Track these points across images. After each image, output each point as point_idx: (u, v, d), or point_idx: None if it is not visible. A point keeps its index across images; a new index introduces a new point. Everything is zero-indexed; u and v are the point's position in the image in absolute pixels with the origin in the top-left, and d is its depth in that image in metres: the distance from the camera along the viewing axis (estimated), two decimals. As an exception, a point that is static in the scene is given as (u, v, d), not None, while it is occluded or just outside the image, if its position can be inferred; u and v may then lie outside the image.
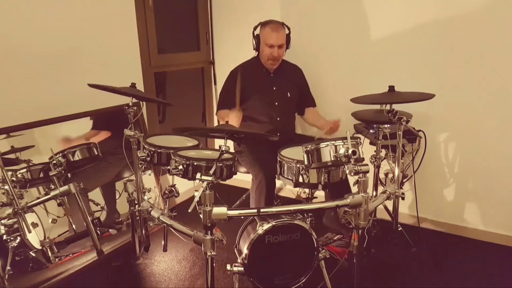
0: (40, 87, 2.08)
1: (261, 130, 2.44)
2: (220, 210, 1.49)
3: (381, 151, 2.23)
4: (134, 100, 1.90)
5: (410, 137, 2.26)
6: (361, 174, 1.50)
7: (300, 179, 1.82)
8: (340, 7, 2.61)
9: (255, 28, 2.45)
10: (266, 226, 1.67)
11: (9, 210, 1.88)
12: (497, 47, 2.21)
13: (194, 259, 2.31)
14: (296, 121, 2.67)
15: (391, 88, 1.97)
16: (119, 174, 2.45)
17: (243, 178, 2.83)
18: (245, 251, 1.68)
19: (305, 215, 1.79)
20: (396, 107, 1.92)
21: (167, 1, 2.88)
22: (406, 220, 2.65)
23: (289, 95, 2.51)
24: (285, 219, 1.70)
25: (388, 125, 2.06)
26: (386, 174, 2.39)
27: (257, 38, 2.43)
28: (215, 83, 3.27)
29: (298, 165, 1.81)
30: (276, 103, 2.47)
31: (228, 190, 3.23)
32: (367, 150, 2.04)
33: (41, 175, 2.07)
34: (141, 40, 2.62)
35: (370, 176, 1.73)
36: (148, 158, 2.02)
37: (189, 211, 1.47)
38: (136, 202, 2.02)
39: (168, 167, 1.91)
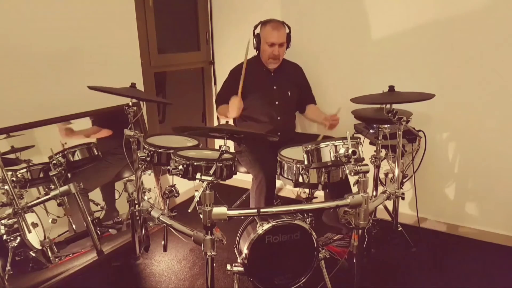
0: (40, 87, 2.08)
1: (262, 130, 2.44)
2: (220, 210, 1.50)
3: (381, 151, 2.23)
4: (134, 100, 1.90)
5: (410, 137, 2.26)
6: (361, 174, 1.50)
7: (300, 179, 1.82)
8: (340, 7, 2.61)
9: (255, 27, 2.45)
10: (266, 226, 1.67)
11: (9, 210, 1.88)
12: (497, 47, 2.21)
13: (194, 259, 2.31)
14: (296, 120, 2.67)
15: (391, 88, 1.97)
16: (119, 174, 2.45)
17: (243, 178, 2.84)
18: (245, 251, 1.68)
19: (305, 215, 1.79)
20: (396, 107, 1.92)
21: (167, 1, 2.88)
22: (406, 220, 2.65)
23: (289, 94, 2.51)
24: (285, 219, 1.70)
25: (388, 125, 2.06)
26: (386, 174, 2.39)
27: (257, 37, 2.43)
28: (215, 83, 3.27)
29: (298, 165, 1.81)
30: (277, 102, 2.47)
31: (228, 190, 3.23)
32: (367, 150, 2.05)
33: (41, 175, 2.07)
34: (141, 40, 2.62)
35: (370, 176, 1.73)
36: (148, 158, 2.02)
37: (189, 211, 1.47)
38: (136, 202, 2.02)
39: (168, 167, 1.91)
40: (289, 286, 1.76)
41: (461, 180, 2.49)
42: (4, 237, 1.87)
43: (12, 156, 1.97)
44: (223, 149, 1.54)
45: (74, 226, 2.19)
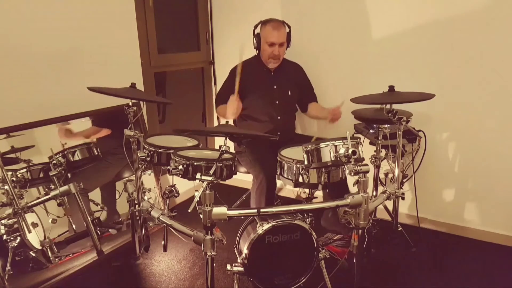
0: (40, 87, 2.08)
1: (262, 129, 2.44)
2: (220, 210, 1.50)
3: (381, 151, 2.23)
4: (134, 100, 1.90)
5: (410, 137, 2.26)
6: (361, 174, 1.50)
7: (300, 179, 1.82)
8: (340, 7, 2.61)
9: (255, 27, 2.45)
10: (266, 226, 1.67)
11: (9, 210, 1.88)
12: (497, 47, 2.21)
13: (194, 259, 2.31)
14: (296, 121, 2.67)
15: (391, 88, 1.97)
16: (119, 174, 2.45)
17: (243, 178, 2.84)
18: (245, 251, 1.68)
19: (305, 215, 1.79)
20: (396, 107, 1.92)
21: (167, 1, 2.88)
22: (406, 220, 2.65)
23: (289, 93, 2.51)
24: (285, 219, 1.70)
25: (388, 125, 2.06)
26: (386, 174, 2.39)
27: (257, 36, 2.43)
28: (215, 83, 3.27)
29: (298, 165, 1.81)
30: (277, 102, 2.47)
31: (228, 190, 3.23)
32: (367, 150, 2.04)
33: (41, 175, 2.07)
34: (141, 40, 2.62)
35: (370, 176, 1.73)
36: (148, 158, 2.02)
37: (189, 211, 1.47)
38: (136, 202, 2.02)
39: (168, 167, 1.91)
40: (289, 286, 1.76)
41: (461, 180, 2.49)
42: (4, 237, 1.87)
43: (12, 156, 1.97)
44: (223, 149, 1.54)
45: (74, 226, 2.19)
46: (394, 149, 2.00)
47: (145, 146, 2.04)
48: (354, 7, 2.56)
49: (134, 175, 1.99)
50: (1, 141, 1.91)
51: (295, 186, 1.91)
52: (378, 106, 2.22)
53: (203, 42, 3.17)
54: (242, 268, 1.69)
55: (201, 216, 1.50)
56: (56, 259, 2.06)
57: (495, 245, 2.42)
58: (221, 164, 1.77)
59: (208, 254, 1.54)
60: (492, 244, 2.43)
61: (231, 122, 2.48)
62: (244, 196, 2.82)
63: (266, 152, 2.26)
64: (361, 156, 1.52)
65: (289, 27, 2.45)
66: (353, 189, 1.91)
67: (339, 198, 1.58)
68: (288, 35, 2.43)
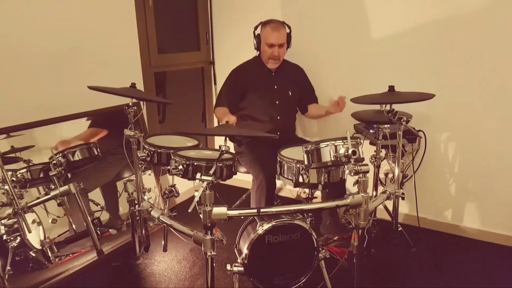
0: (40, 87, 2.08)
1: (262, 129, 2.44)
2: (220, 210, 1.50)
3: (381, 151, 2.23)
4: (134, 100, 1.90)
5: (410, 137, 2.26)
6: (361, 174, 1.50)
7: (300, 179, 1.82)
8: (340, 7, 2.61)
9: (255, 28, 2.45)
10: (266, 226, 1.67)
11: (9, 210, 1.88)
12: (497, 47, 2.21)
13: (194, 259, 2.31)
14: (297, 123, 2.67)
15: (391, 88, 1.97)
16: (119, 174, 2.45)
17: (243, 178, 2.84)
18: (245, 251, 1.68)
19: (305, 215, 1.79)
20: (396, 107, 1.92)
21: (167, 1, 2.88)
22: (406, 220, 2.65)
23: (290, 94, 2.51)
24: (285, 219, 1.70)
25: (388, 125, 2.06)
26: (386, 174, 2.39)
27: (257, 37, 2.43)
28: (215, 83, 3.27)
29: (298, 165, 1.81)
30: (277, 102, 2.47)
31: (228, 190, 3.23)
32: (367, 150, 2.05)
33: (41, 175, 2.07)
34: (141, 40, 2.62)
35: (370, 176, 1.73)
36: (148, 158, 2.02)
37: (189, 211, 1.47)
38: (136, 202, 2.02)
39: (168, 167, 1.91)
40: (289, 286, 1.76)
41: (461, 180, 2.49)
42: (4, 237, 1.87)
43: (12, 156, 1.97)
44: (223, 149, 1.54)
45: (74, 226, 2.19)
46: (394, 149, 2.00)
47: (145, 146, 2.04)
48: (354, 7, 2.56)
49: (134, 175, 1.99)
50: (1, 141, 1.91)
51: (295, 186, 1.91)
52: (378, 107, 2.22)
53: (203, 42, 3.17)
54: (242, 268, 1.69)
55: (201, 216, 1.50)
56: (56, 259, 2.06)
57: (495, 245, 2.42)
58: (221, 164, 1.77)
59: (208, 254, 1.54)
60: (492, 244, 2.43)
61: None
62: (244, 196, 2.82)
63: (266, 152, 2.26)
64: (361, 156, 1.52)
65: (289, 27, 2.45)
66: (352, 189, 1.92)
67: (339, 198, 1.58)
68: (288, 35, 2.43)
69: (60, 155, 2.15)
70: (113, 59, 2.44)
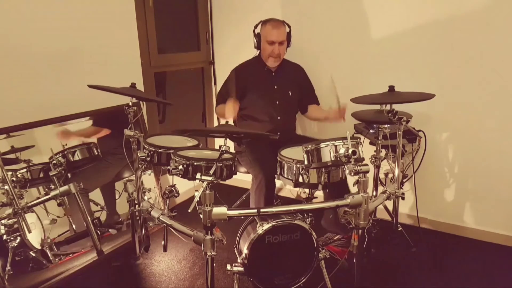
0: (40, 87, 2.08)
1: (262, 129, 2.44)
2: (220, 210, 1.50)
3: (381, 151, 2.23)
4: (134, 100, 1.90)
5: (410, 137, 2.26)
6: (361, 174, 1.50)
7: (300, 179, 1.82)
8: (340, 7, 2.61)
9: (255, 27, 2.45)
10: (266, 226, 1.67)
11: (9, 210, 1.88)
12: (497, 47, 2.21)
13: (194, 259, 2.31)
14: (296, 122, 2.67)
15: (391, 88, 1.97)
16: (119, 174, 2.45)
17: (243, 178, 2.83)
18: (245, 251, 1.68)
19: (305, 215, 1.79)
20: (396, 107, 1.92)
21: (167, 1, 2.88)
22: (406, 220, 2.65)
23: (290, 94, 2.51)
24: (285, 219, 1.70)
25: (388, 125, 2.06)
26: (386, 174, 2.39)
27: (258, 36, 2.43)
28: (215, 83, 3.27)
29: (298, 165, 1.81)
30: (277, 102, 2.47)
31: (228, 190, 3.23)
32: (367, 150, 2.04)
33: (41, 175, 2.07)
34: (141, 40, 2.62)
35: (370, 176, 1.73)
36: (148, 158, 2.02)
37: (189, 211, 1.47)
38: (136, 202, 2.02)
39: (168, 167, 1.91)
40: (289, 286, 1.76)
41: (461, 180, 2.49)
42: (4, 237, 1.87)
43: (12, 156, 1.97)
44: (223, 149, 1.54)
45: (74, 226, 2.19)
46: (394, 149, 2.00)
47: (145, 146, 2.04)
48: (354, 7, 2.56)
49: (134, 175, 1.99)
50: (1, 141, 1.91)
51: (295, 186, 1.91)
52: (378, 107, 2.22)
53: (203, 42, 3.17)
54: (242, 268, 1.69)
55: (201, 216, 1.50)
56: (56, 259, 2.06)
57: (495, 245, 2.42)
58: (221, 164, 1.77)
59: (208, 254, 1.54)
60: (492, 244, 2.43)
61: (231, 122, 2.48)
62: (244, 196, 2.82)
63: (266, 152, 2.26)
64: (361, 156, 1.52)
65: (289, 26, 2.45)
66: (352, 189, 1.92)
67: (339, 198, 1.58)
68: (288, 34, 2.43)
69: (60, 155, 2.15)
70: (113, 59, 2.44)
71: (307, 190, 2.48)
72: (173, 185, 2.17)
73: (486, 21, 2.21)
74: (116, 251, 2.30)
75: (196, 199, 1.46)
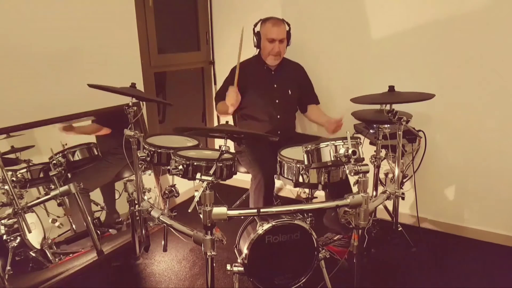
0: (40, 87, 2.08)
1: (261, 128, 2.44)
2: (220, 210, 1.50)
3: (381, 151, 2.23)
4: (134, 100, 1.90)
5: (410, 137, 2.26)
6: (361, 174, 1.50)
7: (300, 179, 1.82)
8: (340, 7, 2.61)
9: (255, 25, 2.45)
10: (266, 226, 1.67)
11: (9, 210, 1.88)
12: (497, 47, 2.21)
13: (194, 259, 2.31)
14: (296, 121, 2.67)
15: (391, 88, 1.97)
16: (119, 174, 2.45)
17: (243, 178, 2.83)
18: (245, 251, 1.68)
19: (305, 215, 1.79)
20: (396, 107, 1.92)
21: (167, 1, 2.88)
22: (406, 220, 2.65)
23: (290, 92, 2.51)
24: (285, 219, 1.70)
25: (388, 125, 2.06)
26: (386, 174, 2.39)
27: (257, 35, 2.43)
28: (215, 83, 3.27)
29: (298, 165, 1.81)
30: (277, 101, 2.47)
31: (228, 190, 3.24)
32: (367, 150, 2.05)
33: (41, 175, 2.07)
34: (141, 40, 2.62)
35: (370, 176, 1.73)
36: (148, 158, 2.02)
37: (189, 211, 1.47)
38: (136, 202, 2.02)
39: (168, 167, 1.91)
40: (289, 286, 1.76)
41: (461, 180, 2.49)
42: (4, 237, 1.87)
43: (12, 156, 1.97)
44: (223, 149, 1.54)
45: (74, 226, 2.19)
46: (394, 149, 2.00)
47: (145, 146, 2.04)
48: (354, 7, 2.56)
49: (134, 175, 1.99)
50: (1, 141, 1.91)
51: (295, 186, 1.91)
52: (378, 107, 2.22)
53: (203, 42, 3.17)
54: (242, 268, 1.69)
55: (201, 216, 1.50)
56: (56, 259, 2.06)
57: (495, 245, 2.42)
58: (221, 164, 1.77)
59: (208, 254, 1.54)
60: (492, 244, 2.43)
61: (231, 121, 2.49)
62: (244, 196, 2.82)
63: (266, 152, 2.26)
64: (361, 156, 1.52)
65: (288, 25, 2.45)
66: (353, 189, 1.92)
67: (339, 198, 1.58)
68: (288, 33, 2.44)
69: (60, 155, 2.15)
70: (113, 59, 2.44)
71: (307, 190, 2.48)
72: (173, 185, 2.17)
73: (486, 21, 2.21)
74: (116, 251, 2.30)
75: (196, 199, 1.46)
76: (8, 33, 1.92)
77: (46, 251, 2.03)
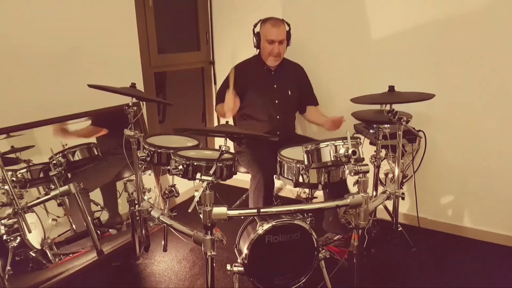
0: (40, 87, 2.08)
1: (261, 129, 2.44)
2: (220, 210, 1.50)
3: (381, 151, 2.23)
4: (134, 100, 1.90)
5: (410, 137, 2.26)
6: (361, 174, 1.50)
7: (300, 179, 1.82)
8: (340, 7, 2.61)
9: (255, 26, 2.45)
10: (266, 226, 1.67)
11: (9, 210, 1.88)
12: (497, 47, 2.21)
13: (194, 259, 2.31)
14: (296, 122, 2.67)
15: (391, 88, 1.97)
16: (119, 174, 2.45)
17: (243, 178, 2.83)
18: (245, 251, 1.68)
19: (305, 215, 1.79)
20: (396, 107, 1.92)
21: (167, 1, 2.88)
22: (406, 220, 2.65)
23: (289, 93, 2.51)
24: (285, 219, 1.70)
25: (388, 125, 2.06)
26: (386, 174, 2.39)
27: (257, 35, 2.43)
28: (215, 83, 3.27)
29: (298, 165, 1.81)
30: (277, 101, 2.47)
31: (228, 190, 3.24)
32: (367, 150, 2.04)
33: (41, 175, 2.07)
34: (141, 40, 2.62)
35: (370, 176, 1.73)
36: (148, 158, 2.02)
37: (189, 211, 1.47)
38: (136, 202, 2.02)
39: (168, 167, 1.91)
40: (289, 286, 1.76)
41: (461, 180, 2.49)
42: (4, 237, 1.87)
43: (12, 156, 1.97)
44: (223, 149, 1.54)
45: (74, 226, 2.19)
46: (394, 149, 2.00)
47: (145, 146, 2.04)
48: (354, 7, 2.56)
49: (134, 175, 1.99)
50: (1, 141, 1.91)
51: (295, 186, 1.91)
52: (378, 107, 2.22)
53: (203, 42, 3.17)
54: (242, 268, 1.69)
55: (201, 216, 1.50)
56: (56, 259, 2.06)
57: (495, 245, 2.42)
58: (221, 164, 1.77)
59: (208, 254, 1.54)
60: (492, 244, 2.43)
61: (231, 121, 2.48)
62: (244, 196, 2.82)
63: (265, 152, 2.26)
64: (361, 156, 1.52)
65: (288, 25, 2.45)
66: (352, 189, 1.92)
67: (339, 198, 1.58)
68: (288, 33, 2.43)
69: (60, 155, 2.15)
70: (113, 59, 2.44)
71: (307, 190, 2.48)
72: (173, 185, 2.17)
73: (486, 21, 2.21)
74: (116, 251, 2.30)
75: (196, 199, 1.46)
76: (8, 33, 1.92)
77: (46, 251, 2.03)
